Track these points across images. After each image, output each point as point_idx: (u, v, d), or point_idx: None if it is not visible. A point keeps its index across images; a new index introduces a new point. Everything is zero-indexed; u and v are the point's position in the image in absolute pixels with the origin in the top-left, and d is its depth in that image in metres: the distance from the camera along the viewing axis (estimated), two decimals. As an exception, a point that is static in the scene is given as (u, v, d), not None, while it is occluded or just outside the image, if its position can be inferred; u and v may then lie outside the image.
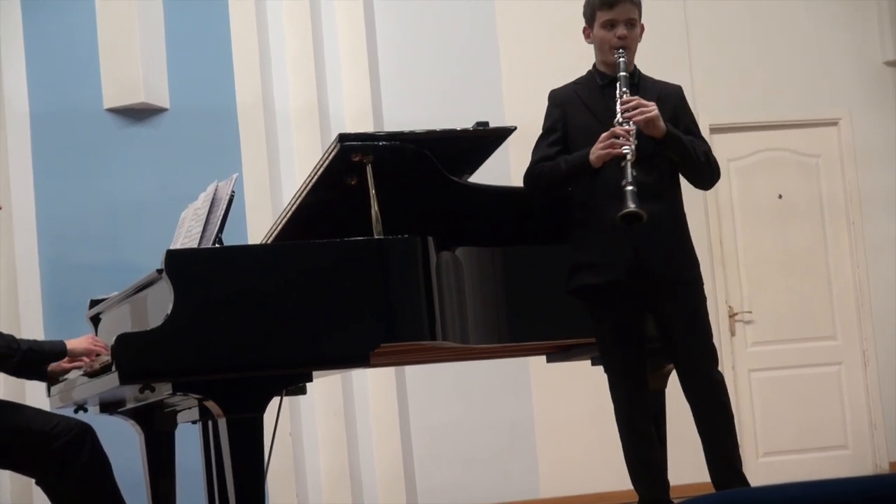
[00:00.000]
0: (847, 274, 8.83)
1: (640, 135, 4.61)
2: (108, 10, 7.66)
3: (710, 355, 4.76)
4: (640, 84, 4.82)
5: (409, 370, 8.02)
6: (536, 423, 8.34)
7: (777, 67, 8.87)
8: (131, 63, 7.65)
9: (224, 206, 4.70)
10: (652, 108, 4.63)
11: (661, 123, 4.65)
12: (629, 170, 4.51)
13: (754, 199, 8.80)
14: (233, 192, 4.73)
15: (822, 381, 8.75)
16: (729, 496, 2.40)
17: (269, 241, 4.99)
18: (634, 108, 4.63)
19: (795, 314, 8.75)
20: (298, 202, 4.84)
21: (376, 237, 4.49)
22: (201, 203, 4.94)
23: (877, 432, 8.73)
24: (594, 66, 4.94)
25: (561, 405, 8.32)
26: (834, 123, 8.91)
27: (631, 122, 4.60)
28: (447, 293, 4.53)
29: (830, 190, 8.88)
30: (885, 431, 8.72)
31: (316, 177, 4.73)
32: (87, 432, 4.88)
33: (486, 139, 5.01)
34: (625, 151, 4.55)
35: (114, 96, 7.69)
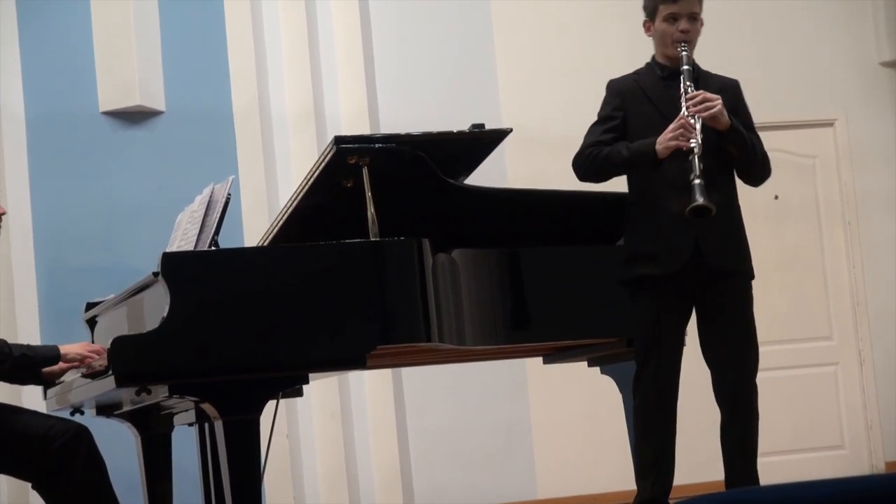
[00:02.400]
0: (843, 274, 8.83)
1: (704, 128, 4.65)
2: (103, 13, 7.66)
3: (752, 357, 4.79)
4: (699, 78, 4.87)
5: (406, 372, 8.01)
6: (533, 425, 8.34)
7: (773, 68, 8.87)
8: (127, 66, 7.64)
9: (220, 209, 4.69)
10: (717, 102, 4.68)
11: (726, 117, 4.70)
12: (697, 163, 4.56)
13: (750, 199, 8.78)
14: (229, 194, 4.73)
15: (819, 381, 8.75)
16: (726, 497, 2.41)
17: (265, 244, 4.98)
18: (700, 102, 4.67)
19: (792, 315, 8.75)
20: (295, 204, 4.84)
21: (373, 239, 4.49)
22: (197, 205, 4.93)
23: (873, 432, 8.73)
24: (653, 58, 5.00)
25: (558, 406, 8.31)
26: (830, 124, 8.91)
27: (697, 117, 4.64)
28: (443, 295, 4.53)
29: (826, 191, 8.88)
30: (881, 431, 8.72)
31: (312, 179, 4.73)
32: (83, 435, 4.88)
33: (483, 141, 5.01)
34: (692, 145, 4.59)
35: (110, 99, 7.68)
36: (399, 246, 4.44)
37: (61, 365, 4.98)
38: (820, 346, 8.79)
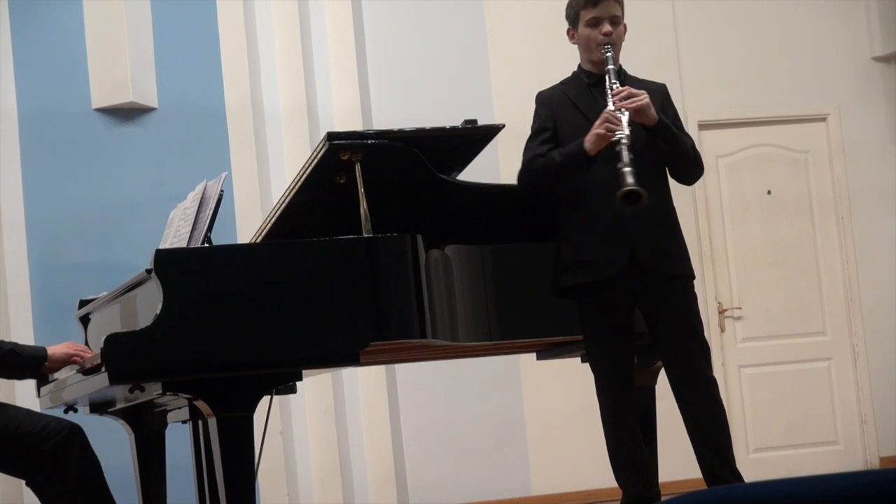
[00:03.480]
0: (836, 269, 8.84)
1: (633, 129, 4.63)
2: (96, 10, 7.65)
3: (702, 351, 4.77)
4: (626, 80, 4.84)
5: (400, 368, 8.02)
6: (527, 420, 8.34)
7: (765, 63, 8.88)
8: (119, 62, 7.64)
9: (213, 206, 4.69)
10: (643, 96, 4.66)
11: (653, 111, 4.68)
12: (625, 152, 4.53)
13: (743, 195, 8.81)
14: (222, 191, 4.72)
15: (813, 376, 8.76)
16: (718, 493, 2.40)
17: (258, 240, 4.98)
18: (626, 97, 4.65)
19: (785, 310, 8.76)
20: (287, 201, 4.84)
21: (365, 236, 4.48)
22: (190, 202, 4.93)
23: (867, 428, 8.74)
24: (579, 66, 4.97)
25: (551, 402, 8.32)
26: (822, 119, 8.92)
27: (623, 110, 4.63)
28: (437, 291, 4.52)
29: (819, 185, 8.89)
30: (875, 427, 8.73)
31: (305, 175, 4.72)
32: (76, 432, 4.87)
33: (475, 137, 5.01)
34: (619, 136, 4.57)
35: (102, 96, 7.68)
36: (392, 242, 4.43)
37: (47, 368, 5.00)
38: (813, 341, 8.80)
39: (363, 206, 4.54)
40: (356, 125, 7.91)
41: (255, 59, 8.00)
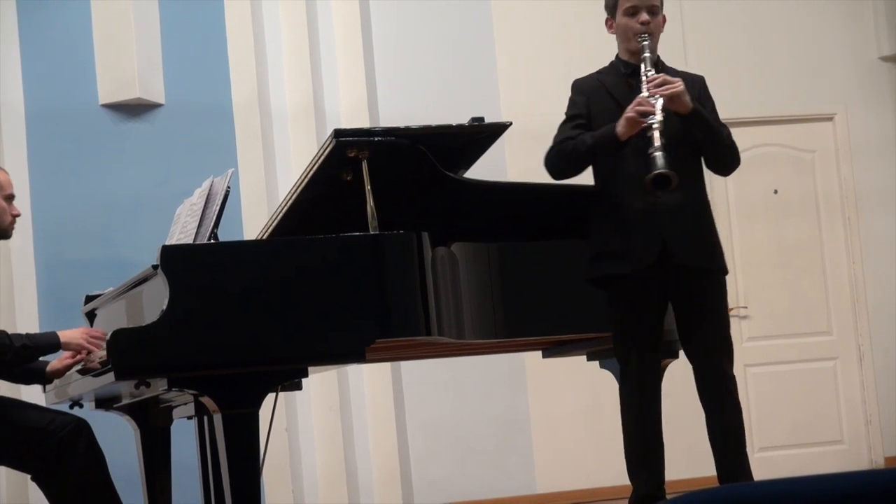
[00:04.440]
0: (843, 269, 8.83)
1: (668, 119, 4.63)
2: (103, 6, 7.65)
3: (729, 353, 4.79)
4: (663, 71, 4.84)
5: (405, 366, 8.02)
6: (532, 419, 8.34)
7: (772, 63, 8.87)
8: (127, 59, 7.64)
9: (220, 202, 4.69)
10: (678, 83, 4.66)
11: (687, 99, 4.68)
12: (657, 137, 4.52)
13: (750, 194, 8.80)
14: (228, 187, 4.72)
15: (818, 376, 8.75)
16: (722, 492, 2.40)
17: (264, 237, 4.98)
18: (660, 84, 4.65)
19: (791, 309, 8.75)
20: (294, 198, 4.84)
21: (372, 233, 4.49)
22: (197, 198, 4.93)
23: (872, 427, 8.73)
24: (617, 56, 4.99)
25: (557, 400, 8.32)
26: (829, 119, 8.91)
27: (657, 96, 4.63)
28: (442, 289, 4.52)
29: (826, 185, 8.88)
30: (880, 426, 8.73)
31: (311, 172, 4.72)
32: (82, 428, 4.88)
33: (482, 135, 5.01)
34: (651, 121, 4.57)
35: (109, 92, 7.68)
36: (398, 239, 4.43)
37: (64, 362, 4.98)
38: (819, 340, 8.79)
39: (370, 203, 4.54)
40: (363, 122, 7.90)
41: (262, 56, 8.01)
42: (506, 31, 8.52)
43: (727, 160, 4.92)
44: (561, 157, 4.87)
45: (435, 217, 4.93)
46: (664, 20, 4.93)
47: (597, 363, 5.54)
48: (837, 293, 8.82)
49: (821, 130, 8.91)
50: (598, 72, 5.01)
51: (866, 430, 8.74)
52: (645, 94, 4.66)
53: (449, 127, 4.94)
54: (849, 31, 8.94)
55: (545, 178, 5.05)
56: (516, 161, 7.96)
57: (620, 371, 4.87)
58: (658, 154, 4.49)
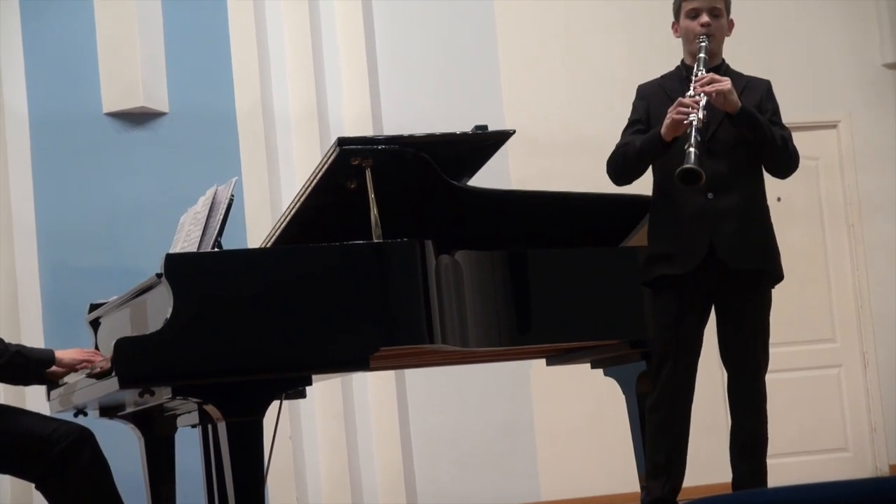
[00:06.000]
0: (847, 276, 8.82)
1: (718, 120, 4.65)
2: (107, 14, 7.66)
3: (763, 367, 4.80)
4: (726, 74, 4.88)
5: (409, 373, 8.01)
6: (536, 426, 8.34)
7: (775, 70, 8.82)
8: (130, 67, 7.65)
9: (223, 210, 4.69)
10: (725, 81, 4.68)
11: (735, 98, 4.69)
12: (693, 134, 4.54)
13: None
14: (232, 195, 4.72)
15: (822, 383, 8.75)
16: (728, 499, 2.41)
17: (268, 245, 4.98)
18: (708, 82, 4.68)
19: (795, 317, 8.74)
20: (298, 206, 4.84)
21: (375, 241, 4.49)
22: (200, 207, 4.93)
23: (877, 435, 8.72)
24: (682, 61, 5.04)
25: (561, 408, 8.31)
26: (833, 126, 8.91)
27: (702, 95, 4.65)
28: (446, 296, 4.53)
29: (830, 192, 8.87)
30: (884, 434, 8.72)
31: (315, 180, 4.73)
32: (86, 436, 4.88)
33: (486, 143, 5.01)
34: (691, 118, 4.58)
35: (113, 100, 7.69)
36: (402, 247, 4.44)
37: (53, 373, 4.99)
38: (823, 348, 8.78)
39: (373, 211, 4.54)
40: (367, 130, 7.91)
41: (265, 64, 8.01)
42: (509, 39, 8.52)
43: (780, 162, 4.93)
44: (616, 163, 4.93)
45: (439, 225, 4.93)
46: (732, 24, 4.99)
47: (601, 371, 5.54)
48: (841, 300, 8.81)
49: (825, 138, 8.91)
50: (662, 76, 5.08)
51: (871, 438, 8.73)
52: (691, 92, 4.68)
53: (452, 135, 4.94)
54: (853, 39, 8.94)
55: (548, 185, 5.06)
56: (520, 169, 7.96)
57: (654, 371, 4.86)
58: (690, 150, 4.51)
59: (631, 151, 4.84)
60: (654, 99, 4.96)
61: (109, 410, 5.34)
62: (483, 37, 8.49)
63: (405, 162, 4.71)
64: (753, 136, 4.79)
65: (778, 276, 4.90)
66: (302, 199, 4.81)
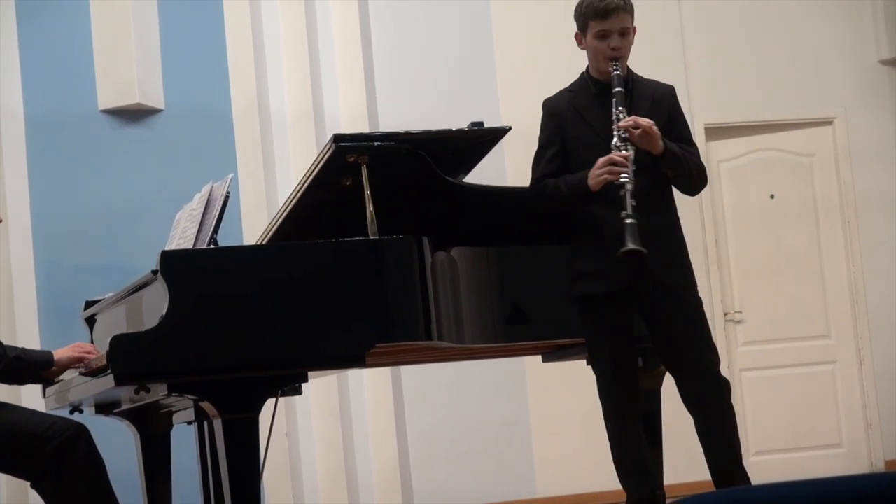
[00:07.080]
0: (842, 273, 8.83)
1: (638, 151, 4.61)
2: (102, 12, 7.66)
3: (711, 352, 4.77)
4: (633, 89, 4.79)
5: (405, 370, 8.02)
6: (532, 423, 8.34)
7: (771, 67, 8.87)
8: (126, 64, 7.65)
9: (219, 207, 4.69)
10: (649, 125, 4.60)
11: (660, 142, 4.64)
12: (628, 200, 4.49)
13: (748, 199, 8.80)
14: (228, 192, 4.72)
15: (817, 379, 8.75)
16: (722, 496, 2.40)
17: (264, 242, 4.98)
18: (633, 126, 4.60)
19: (790, 313, 8.75)
20: (294, 203, 4.84)
21: (371, 238, 4.49)
22: (196, 204, 4.93)
23: (872, 431, 8.73)
24: (587, 71, 4.90)
25: (557, 404, 8.32)
26: (829, 123, 8.92)
27: (629, 147, 4.58)
28: (442, 293, 4.53)
29: (825, 189, 8.88)
30: (880, 430, 8.73)
31: (311, 177, 4.73)
32: (82, 433, 4.87)
33: (482, 139, 5.01)
34: (623, 180, 4.54)
35: (109, 97, 7.69)
36: (398, 244, 4.44)
37: (53, 373, 5.00)
38: (818, 344, 8.79)
39: (369, 208, 4.55)
40: (363, 128, 7.90)
41: (261, 62, 8.01)
42: (505, 36, 8.52)
43: (693, 188, 4.91)
44: (540, 198, 4.83)
45: (435, 222, 4.93)
46: (635, 31, 4.86)
47: (596, 367, 5.53)
48: (837, 297, 8.82)
49: (820, 135, 8.91)
50: (569, 89, 4.92)
51: (866, 434, 8.74)
52: (615, 141, 4.61)
53: (448, 132, 4.94)
54: (848, 35, 8.94)
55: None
56: (516, 165, 7.95)
57: (597, 381, 4.86)
58: (629, 223, 4.47)
59: (556, 197, 4.75)
60: (565, 119, 4.83)
61: (105, 407, 5.34)
62: (479, 33, 8.49)
63: (401, 158, 4.71)
64: (675, 174, 4.76)
65: (696, 286, 4.86)
66: (298, 195, 4.81)
